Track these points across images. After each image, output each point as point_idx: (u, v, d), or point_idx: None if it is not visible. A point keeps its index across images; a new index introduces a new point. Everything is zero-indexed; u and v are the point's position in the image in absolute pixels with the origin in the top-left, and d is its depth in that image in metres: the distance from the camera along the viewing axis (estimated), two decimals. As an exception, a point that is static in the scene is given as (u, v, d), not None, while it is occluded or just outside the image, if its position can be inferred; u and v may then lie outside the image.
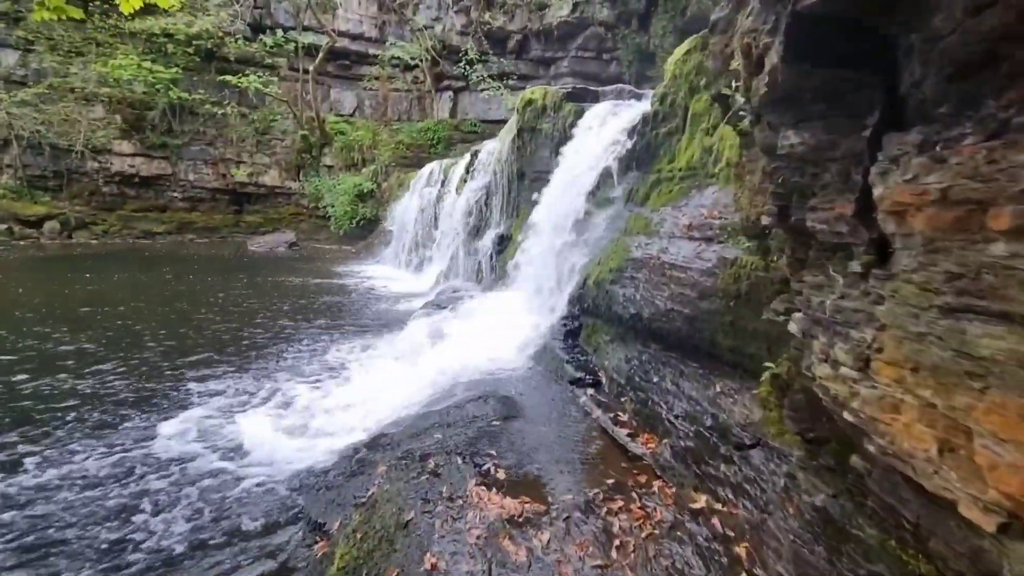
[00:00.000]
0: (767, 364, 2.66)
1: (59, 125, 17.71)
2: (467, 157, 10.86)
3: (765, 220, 2.20)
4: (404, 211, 13.81)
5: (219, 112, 19.92)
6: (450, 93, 22.16)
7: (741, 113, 2.84)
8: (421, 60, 20.85)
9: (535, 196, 7.50)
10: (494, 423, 3.88)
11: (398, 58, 20.94)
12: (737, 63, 2.19)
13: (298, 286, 11.18)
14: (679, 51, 5.80)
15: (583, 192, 6.11)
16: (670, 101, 5.88)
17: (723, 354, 3.49)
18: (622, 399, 4.13)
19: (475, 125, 20.96)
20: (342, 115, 21.95)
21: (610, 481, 3.15)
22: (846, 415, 1.63)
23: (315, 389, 5.53)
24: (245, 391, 5.50)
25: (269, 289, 10.78)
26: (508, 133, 8.83)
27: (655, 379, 3.87)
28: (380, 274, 12.95)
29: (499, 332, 5.87)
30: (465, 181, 10.26)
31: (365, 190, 19.05)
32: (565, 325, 5.39)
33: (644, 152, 5.98)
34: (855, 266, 1.65)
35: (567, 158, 6.74)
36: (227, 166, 21.22)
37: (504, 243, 8.35)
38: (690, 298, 3.74)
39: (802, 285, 1.95)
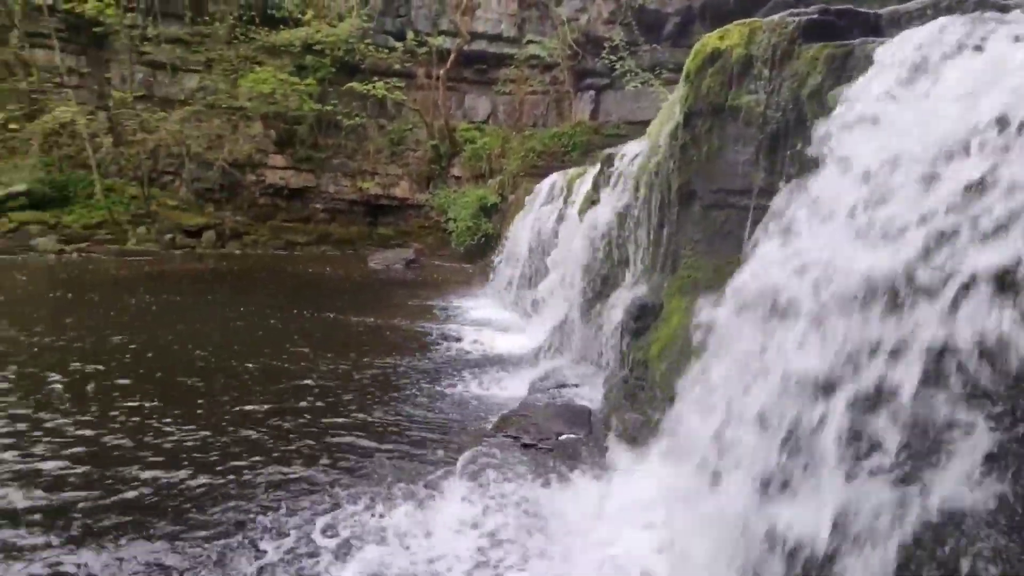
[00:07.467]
0: None
1: (216, 140, 17.51)
2: (597, 166, 6.87)
3: None
4: (517, 234, 10.26)
5: (358, 123, 18.52)
6: (591, 93, 18.15)
7: None
8: (560, 58, 17.22)
9: (757, 238, 3.31)
10: None
11: (537, 57, 17.58)
12: None
13: (369, 332, 8.23)
14: None
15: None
16: None
17: None
18: None
19: (619, 127, 16.61)
20: (474, 123, 19.23)
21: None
22: None
23: None
24: None
25: (326, 337, 7.98)
26: (665, 122, 4.70)
27: None
28: (483, 315, 9.57)
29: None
30: (594, 204, 6.32)
31: (489, 203, 15.97)
32: None
33: None
34: None
35: (830, 166, 2.45)
36: (363, 178, 19.84)
37: (645, 319, 4.28)
38: None
39: None
